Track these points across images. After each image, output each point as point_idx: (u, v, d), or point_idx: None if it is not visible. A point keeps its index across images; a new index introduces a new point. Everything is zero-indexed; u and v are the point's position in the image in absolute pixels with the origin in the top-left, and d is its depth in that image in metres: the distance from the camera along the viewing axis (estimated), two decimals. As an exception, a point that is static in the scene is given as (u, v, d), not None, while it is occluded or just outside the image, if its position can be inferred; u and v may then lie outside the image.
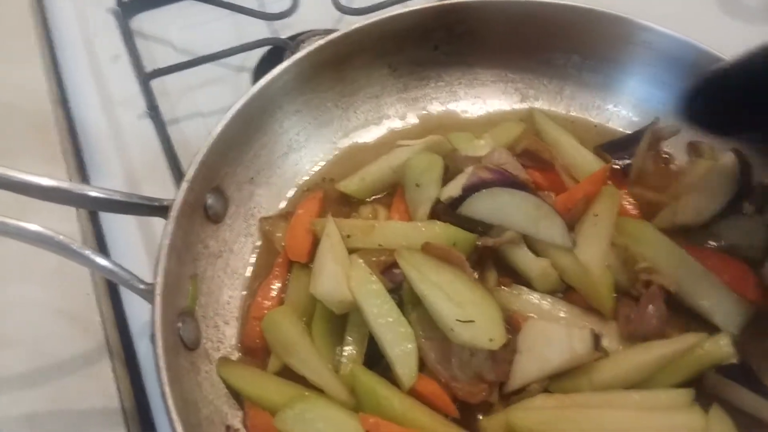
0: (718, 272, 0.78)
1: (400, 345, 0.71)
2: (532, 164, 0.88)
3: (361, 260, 0.76)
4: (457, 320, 0.69)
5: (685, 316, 0.77)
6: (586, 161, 0.89)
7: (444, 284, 0.72)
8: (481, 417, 0.72)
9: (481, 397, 0.71)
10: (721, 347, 0.73)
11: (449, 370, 0.71)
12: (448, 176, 0.86)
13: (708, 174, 0.85)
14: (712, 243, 0.83)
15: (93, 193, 0.72)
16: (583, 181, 0.86)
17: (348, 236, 0.80)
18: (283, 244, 0.84)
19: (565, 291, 0.80)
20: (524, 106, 0.99)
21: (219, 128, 0.80)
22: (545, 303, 0.79)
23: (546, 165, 0.88)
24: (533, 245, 0.80)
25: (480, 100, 1.00)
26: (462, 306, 0.70)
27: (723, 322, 0.76)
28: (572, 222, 0.81)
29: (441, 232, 0.79)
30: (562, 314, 0.78)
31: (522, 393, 0.73)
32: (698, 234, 0.84)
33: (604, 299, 0.77)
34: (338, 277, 0.74)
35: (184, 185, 0.75)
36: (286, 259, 0.84)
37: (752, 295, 0.77)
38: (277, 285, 0.82)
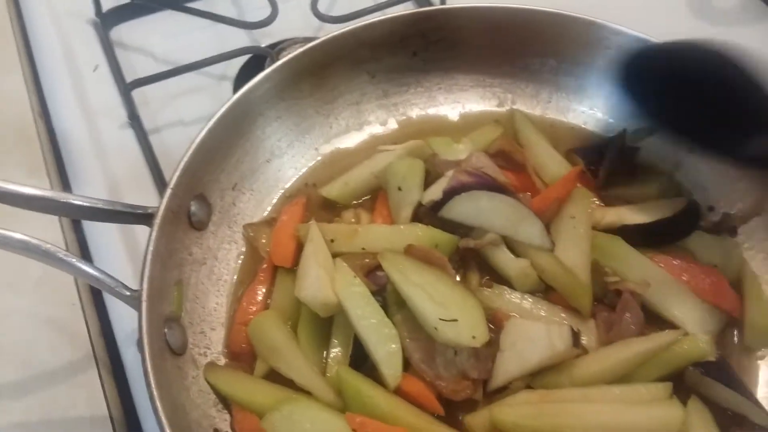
0: (695, 282, 0.80)
1: (385, 346, 0.72)
2: (506, 165, 0.90)
3: (344, 263, 0.78)
4: (440, 319, 0.71)
5: (662, 322, 0.79)
6: (555, 163, 0.91)
7: (427, 285, 0.73)
8: (465, 415, 0.74)
9: (465, 394, 0.72)
10: (699, 345, 0.75)
11: (434, 369, 0.72)
12: (429, 180, 0.88)
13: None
14: (691, 257, 0.84)
15: (77, 202, 0.72)
16: (555, 184, 0.88)
17: (332, 240, 0.81)
18: (267, 249, 0.85)
19: (545, 291, 0.81)
20: (502, 109, 1.01)
21: (201, 135, 0.81)
22: (526, 302, 0.80)
23: (518, 166, 0.90)
24: (513, 246, 0.82)
25: (459, 105, 1.02)
26: (445, 306, 0.72)
27: (695, 331, 0.77)
28: (546, 223, 0.83)
29: (423, 234, 0.80)
30: (542, 313, 0.79)
31: (505, 391, 0.74)
32: (675, 247, 0.85)
33: (584, 299, 0.78)
34: (322, 280, 0.76)
35: (168, 192, 0.76)
36: (270, 264, 0.85)
37: (729, 305, 0.80)
38: (262, 290, 0.83)
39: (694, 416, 0.72)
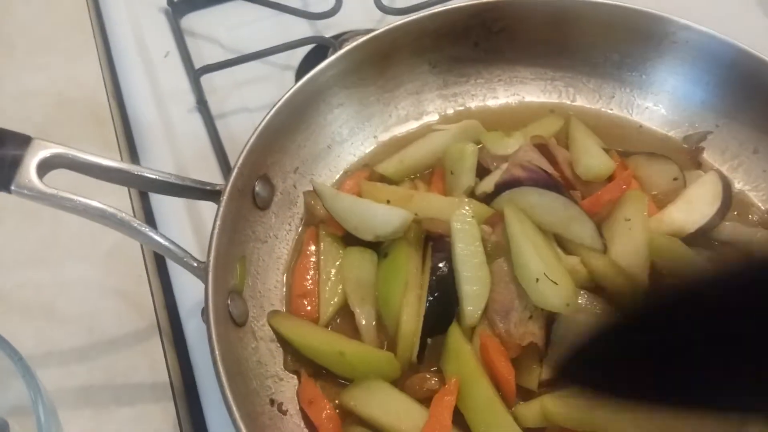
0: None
1: (475, 285, 0.76)
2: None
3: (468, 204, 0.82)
4: (544, 274, 0.73)
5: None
6: (595, 160, 0.88)
7: (538, 245, 0.77)
8: (516, 406, 0.74)
9: (524, 351, 0.74)
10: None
11: (506, 324, 0.75)
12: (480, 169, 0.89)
13: (694, 188, 0.86)
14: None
15: (150, 175, 0.76)
16: (609, 185, 0.86)
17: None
18: (322, 212, 0.87)
19: (592, 290, 0.79)
20: (563, 103, 1.01)
21: (267, 118, 0.84)
22: (581, 299, 0.80)
23: (552, 159, 0.89)
24: (563, 243, 0.82)
25: (519, 97, 1.02)
26: (549, 268, 0.74)
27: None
28: (598, 224, 0.82)
29: (479, 210, 0.81)
30: (597, 310, 0.79)
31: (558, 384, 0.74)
32: (735, 248, 0.84)
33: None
34: (386, 207, 0.82)
35: (235, 170, 0.79)
36: (312, 232, 0.88)
37: None
38: (311, 261, 0.86)
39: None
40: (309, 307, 0.82)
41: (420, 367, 0.77)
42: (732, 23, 0.90)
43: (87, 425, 0.81)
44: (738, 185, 0.91)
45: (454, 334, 0.75)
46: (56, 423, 0.69)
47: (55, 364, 0.85)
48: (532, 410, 0.73)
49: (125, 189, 1.00)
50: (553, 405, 0.71)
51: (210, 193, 0.78)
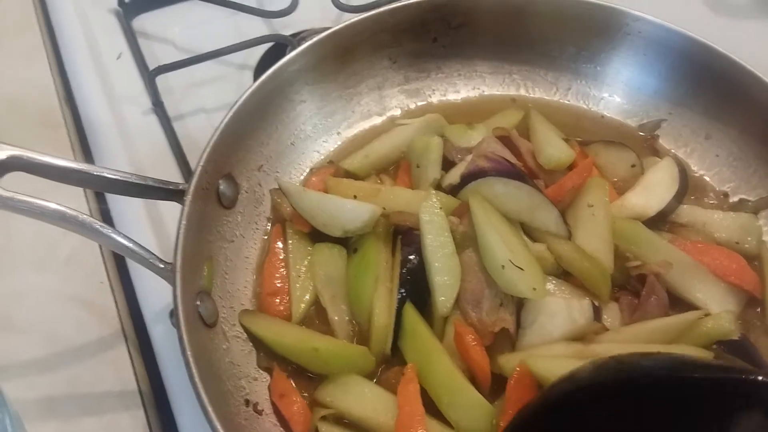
0: (715, 265, 0.81)
1: (446, 275, 0.76)
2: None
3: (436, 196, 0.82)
4: (510, 261, 0.73)
5: (684, 306, 0.79)
6: (556, 149, 0.90)
7: (503, 232, 0.78)
8: (499, 355, 0.75)
9: (492, 338, 0.75)
10: (722, 323, 0.75)
11: (478, 312, 0.75)
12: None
13: (652, 173, 0.89)
14: (709, 238, 0.85)
15: (111, 176, 0.74)
16: (571, 173, 0.88)
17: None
18: (289, 210, 0.86)
19: (560, 276, 0.81)
20: (523, 95, 1.03)
21: (229, 115, 0.83)
22: (550, 285, 0.81)
23: (515, 150, 0.90)
24: (529, 231, 0.83)
25: (479, 91, 1.04)
26: (515, 254, 0.75)
27: (717, 311, 0.78)
28: (561, 211, 0.83)
29: (446, 202, 0.82)
30: (566, 294, 0.81)
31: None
32: (693, 229, 0.87)
33: (603, 284, 0.79)
34: (354, 202, 0.82)
35: (199, 168, 0.77)
36: (279, 230, 0.88)
37: (749, 285, 0.80)
38: (280, 259, 0.86)
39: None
40: (281, 306, 0.82)
41: (394, 359, 0.77)
42: (677, 20, 0.93)
43: (53, 437, 0.79)
44: (694, 169, 0.95)
45: (409, 314, 0.75)
46: (23, 436, 0.66)
47: (16, 375, 0.82)
48: (514, 363, 0.72)
49: (81, 192, 0.97)
50: (536, 363, 0.71)
51: (173, 193, 0.77)
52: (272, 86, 0.89)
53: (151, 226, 0.93)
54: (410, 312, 0.76)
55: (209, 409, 0.64)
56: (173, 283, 0.70)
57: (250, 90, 0.85)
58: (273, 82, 0.89)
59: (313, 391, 0.76)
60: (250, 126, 0.88)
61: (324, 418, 0.73)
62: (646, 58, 0.96)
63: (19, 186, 0.69)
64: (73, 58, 1.15)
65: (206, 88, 1.13)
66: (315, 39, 0.92)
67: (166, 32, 1.22)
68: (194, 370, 0.65)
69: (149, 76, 1.10)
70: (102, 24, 1.21)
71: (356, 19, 0.94)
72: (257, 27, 1.19)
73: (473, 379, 0.73)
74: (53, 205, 0.69)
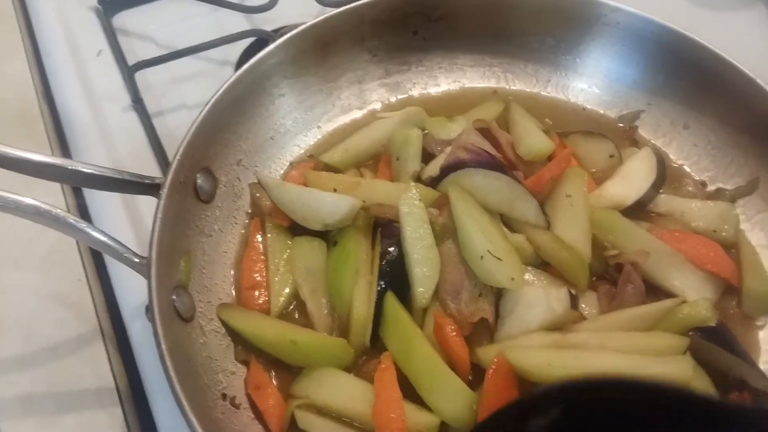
0: (692, 253, 0.81)
1: (425, 267, 0.76)
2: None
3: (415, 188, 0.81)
4: (488, 251, 0.73)
5: (662, 295, 0.80)
6: (535, 139, 0.90)
7: (483, 224, 0.78)
8: (477, 347, 0.75)
9: (471, 328, 0.75)
10: (699, 310, 0.75)
11: (457, 303, 0.75)
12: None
13: (630, 163, 0.89)
14: (687, 226, 0.86)
15: (86, 170, 0.73)
16: (550, 164, 0.88)
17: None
18: (268, 204, 0.86)
19: (539, 266, 0.82)
20: (502, 87, 1.03)
21: (206, 108, 0.82)
22: (528, 275, 0.81)
23: (495, 142, 0.90)
24: (508, 222, 0.83)
25: (459, 84, 1.03)
26: (494, 245, 0.75)
27: (694, 298, 0.78)
28: (540, 201, 0.83)
29: (426, 194, 0.81)
30: (544, 284, 0.81)
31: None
32: (671, 218, 0.87)
33: (580, 273, 0.79)
34: (334, 195, 0.81)
35: (175, 162, 0.77)
36: (258, 224, 0.87)
37: (726, 273, 0.81)
38: (259, 254, 0.85)
39: (694, 379, 0.73)
40: (260, 299, 0.81)
41: (374, 352, 0.77)
42: (658, 11, 0.93)
43: (30, 435, 0.78)
44: (672, 159, 0.95)
45: (390, 302, 0.75)
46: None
47: (-8, 374, 0.81)
48: (491, 355, 0.72)
49: (58, 187, 0.96)
50: (515, 356, 0.70)
51: (149, 187, 0.76)
52: (250, 80, 0.89)
53: (129, 222, 0.92)
54: (391, 300, 0.76)
55: (184, 403, 0.63)
56: (148, 277, 0.69)
57: (228, 83, 0.85)
58: (251, 76, 0.88)
59: (290, 384, 0.76)
60: (229, 120, 0.88)
61: (300, 406, 0.72)
62: (624, 49, 0.96)
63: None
64: (52, 55, 1.14)
65: (187, 84, 1.13)
66: (294, 32, 0.91)
67: (147, 29, 1.21)
68: (169, 364, 0.64)
69: (128, 71, 1.09)
70: (82, 21, 1.20)
71: (336, 11, 0.94)
72: (238, 23, 1.19)
73: (453, 370, 0.73)
74: (28, 200, 0.68)
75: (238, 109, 0.89)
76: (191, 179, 0.81)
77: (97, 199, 0.95)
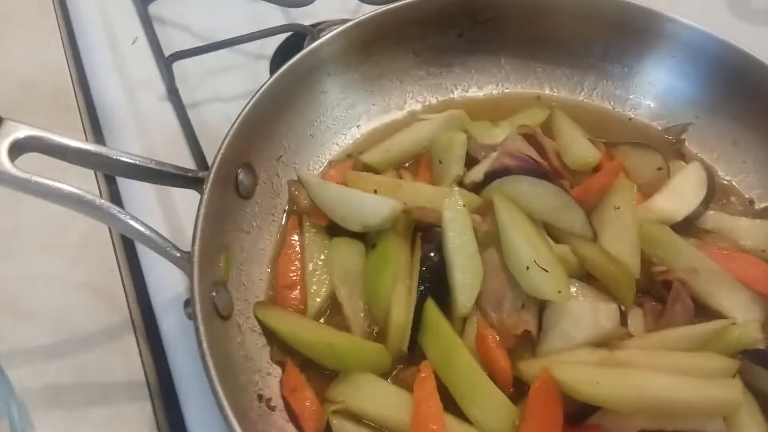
0: (741, 273, 0.79)
1: (468, 274, 0.74)
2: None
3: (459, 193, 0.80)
4: (534, 261, 0.72)
5: (709, 315, 0.77)
6: (582, 149, 0.89)
7: (529, 233, 0.76)
8: (519, 361, 0.73)
9: (514, 341, 0.73)
10: (749, 332, 0.73)
11: (499, 313, 0.74)
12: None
13: (680, 177, 0.87)
14: (735, 245, 0.84)
15: (129, 160, 0.72)
16: (598, 174, 0.86)
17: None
18: (306, 202, 0.84)
19: (583, 279, 0.79)
20: (546, 94, 1.01)
21: (251, 103, 0.80)
22: (572, 288, 0.79)
23: (540, 149, 0.89)
24: (553, 232, 0.81)
25: (502, 88, 1.02)
26: (539, 255, 0.73)
27: (743, 319, 0.76)
28: (587, 213, 0.81)
29: (469, 199, 0.80)
30: (589, 298, 0.78)
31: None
32: (719, 236, 0.85)
33: (627, 288, 0.77)
34: (375, 196, 0.80)
35: (219, 157, 0.75)
36: (295, 222, 0.86)
37: None
38: (296, 252, 0.84)
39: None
40: (296, 299, 0.80)
41: (411, 359, 0.75)
42: (702, 20, 0.91)
43: (59, 426, 0.76)
44: (720, 175, 0.93)
45: (430, 309, 0.74)
46: (29, 425, 0.64)
47: (22, 363, 0.79)
48: (535, 370, 0.70)
49: (91, 176, 0.95)
50: (559, 371, 0.68)
51: (192, 181, 0.75)
52: (295, 75, 0.87)
53: (162, 213, 0.91)
54: (432, 308, 0.74)
55: (225, 403, 0.61)
56: (190, 274, 0.68)
57: (273, 78, 0.83)
58: (296, 71, 0.87)
59: (326, 387, 0.74)
60: (271, 115, 0.86)
61: (336, 412, 0.71)
62: (676, 61, 0.94)
63: (27, 166, 0.67)
64: (87, 41, 1.13)
65: (222, 76, 1.11)
66: (341, 28, 0.90)
67: (183, 19, 1.20)
68: (210, 364, 0.63)
69: (165, 62, 1.07)
70: (118, 8, 1.19)
71: (383, 9, 0.92)
72: (275, 16, 1.17)
73: (494, 383, 0.71)
74: (69, 188, 0.67)
75: (281, 105, 0.87)
76: (233, 174, 0.80)
77: (132, 190, 0.93)
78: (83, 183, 0.90)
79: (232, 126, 0.78)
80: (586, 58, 0.99)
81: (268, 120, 0.86)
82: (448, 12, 0.95)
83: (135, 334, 0.84)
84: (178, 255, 0.70)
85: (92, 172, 0.96)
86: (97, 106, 1.05)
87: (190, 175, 0.74)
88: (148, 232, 0.69)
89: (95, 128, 1.04)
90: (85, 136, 1.01)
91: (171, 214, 0.92)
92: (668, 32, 0.91)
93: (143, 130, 1.03)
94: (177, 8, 1.21)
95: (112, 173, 0.90)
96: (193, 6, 1.22)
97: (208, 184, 0.73)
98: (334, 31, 0.89)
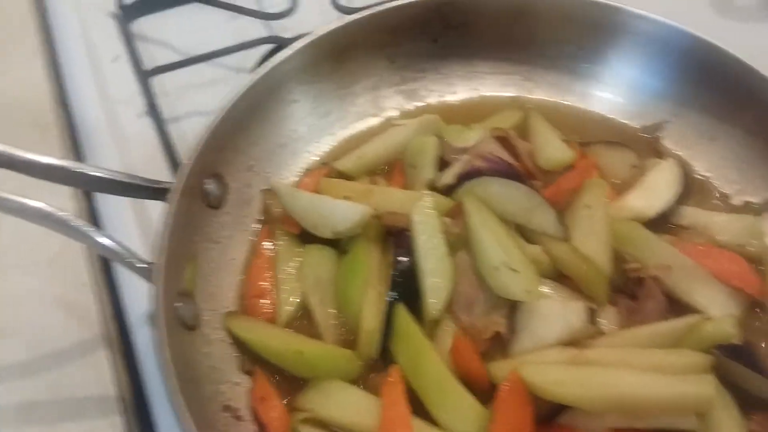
0: (717, 268, 0.78)
1: (437, 277, 0.74)
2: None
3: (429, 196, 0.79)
4: (503, 262, 0.71)
5: (684, 311, 0.76)
6: (556, 150, 0.89)
7: (499, 234, 0.76)
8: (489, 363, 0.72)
9: (487, 345, 0.73)
10: (724, 327, 0.72)
11: (470, 316, 0.73)
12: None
13: (653, 174, 0.86)
14: (712, 240, 0.82)
15: (94, 173, 0.72)
16: (568, 174, 0.86)
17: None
18: (279, 211, 0.84)
19: (556, 279, 0.78)
20: (522, 96, 1.00)
21: (220, 113, 0.81)
22: (545, 287, 0.78)
23: (513, 151, 0.88)
24: (525, 233, 0.80)
25: (477, 92, 1.01)
26: (510, 256, 0.73)
27: (718, 315, 0.75)
28: (559, 212, 0.81)
29: (440, 202, 0.79)
30: (561, 296, 0.77)
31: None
32: (695, 232, 0.84)
33: (600, 286, 0.76)
34: (345, 202, 0.79)
35: (185, 167, 0.75)
36: (267, 231, 0.86)
37: (752, 288, 0.77)
38: (266, 262, 0.83)
39: (716, 399, 0.69)
40: (266, 308, 0.79)
41: (382, 365, 0.74)
42: (683, 21, 0.91)
43: (30, 443, 0.76)
44: (698, 171, 0.91)
45: (400, 314, 0.73)
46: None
47: (-5, 379, 0.80)
48: (505, 371, 0.69)
49: (68, 192, 0.95)
50: (529, 372, 0.67)
51: (158, 191, 0.75)
52: (265, 86, 0.87)
53: (138, 227, 0.90)
54: (402, 313, 0.73)
55: (186, 414, 0.61)
56: (153, 283, 0.68)
57: (242, 89, 0.84)
58: (266, 82, 0.87)
59: (295, 396, 0.73)
60: (241, 125, 0.86)
61: (304, 420, 0.70)
62: (648, 58, 0.93)
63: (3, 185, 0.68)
64: (69, 61, 1.14)
65: (203, 90, 1.11)
66: (311, 38, 0.90)
67: (165, 35, 1.21)
68: (170, 373, 0.62)
69: (144, 77, 1.08)
70: (100, 26, 1.20)
71: (355, 17, 0.92)
72: (256, 29, 1.18)
73: (472, 390, 0.70)
74: (33, 203, 0.67)
75: (251, 115, 0.88)
76: (201, 185, 0.80)
77: (109, 204, 0.94)
78: (62, 201, 0.92)
79: (200, 137, 0.78)
80: (559, 59, 0.98)
81: (238, 130, 0.86)
82: (421, 18, 0.95)
83: (108, 348, 0.84)
84: (140, 265, 0.70)
85: (70, 189, 0.96)
86: (77, 124, 1.06)
87: (155, 186, 0.75)
88: (108, 243, 0.69)
89: (75, 146, 1.05)
90: (64, 153, 1.01)
91: (148, 228, 0.92)
92: (638, 29, 0.91)
93: (122, 146, 1.03)
94: (159, 25, 1.22)
95: (80, 187, 0.90)
96: (175, 23, 1.22)
97: (174, 194, 0.73)
98: (305, 41, 0.89)
